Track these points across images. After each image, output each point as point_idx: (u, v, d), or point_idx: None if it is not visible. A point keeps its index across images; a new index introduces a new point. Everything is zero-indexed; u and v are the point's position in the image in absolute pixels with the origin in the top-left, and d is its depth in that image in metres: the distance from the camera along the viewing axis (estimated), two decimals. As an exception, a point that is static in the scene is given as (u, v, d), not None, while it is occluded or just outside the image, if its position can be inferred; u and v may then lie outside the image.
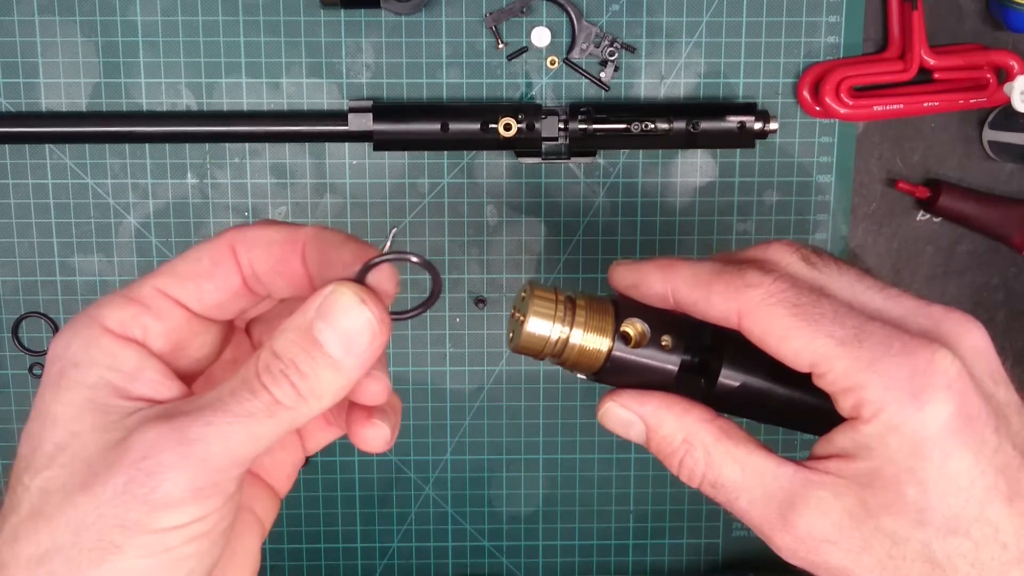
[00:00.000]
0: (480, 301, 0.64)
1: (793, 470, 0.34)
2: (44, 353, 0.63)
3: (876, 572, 0.33)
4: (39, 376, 0.64)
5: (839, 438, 0.33)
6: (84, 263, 0.62)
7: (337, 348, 0.29)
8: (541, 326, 0.36)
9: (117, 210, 0.62)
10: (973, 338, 0.34)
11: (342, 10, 0.60)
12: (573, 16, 0.60)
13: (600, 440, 0.66)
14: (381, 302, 0.30)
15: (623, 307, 0.37)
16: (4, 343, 0.63)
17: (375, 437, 0.33)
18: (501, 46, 0.61)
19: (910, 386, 0.32)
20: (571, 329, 0.36)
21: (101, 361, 0.30)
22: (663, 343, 0.36)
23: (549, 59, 0.61)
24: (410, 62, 0.61)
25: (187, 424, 0.28)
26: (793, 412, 0.37)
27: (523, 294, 0.37)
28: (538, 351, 0.36)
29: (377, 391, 0.32)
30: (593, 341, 0.36)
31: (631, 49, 0.61)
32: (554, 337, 0.36)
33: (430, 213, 0.63)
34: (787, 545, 0.34)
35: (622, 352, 0.36)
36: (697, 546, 0.68)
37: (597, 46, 0.61)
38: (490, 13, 0.60)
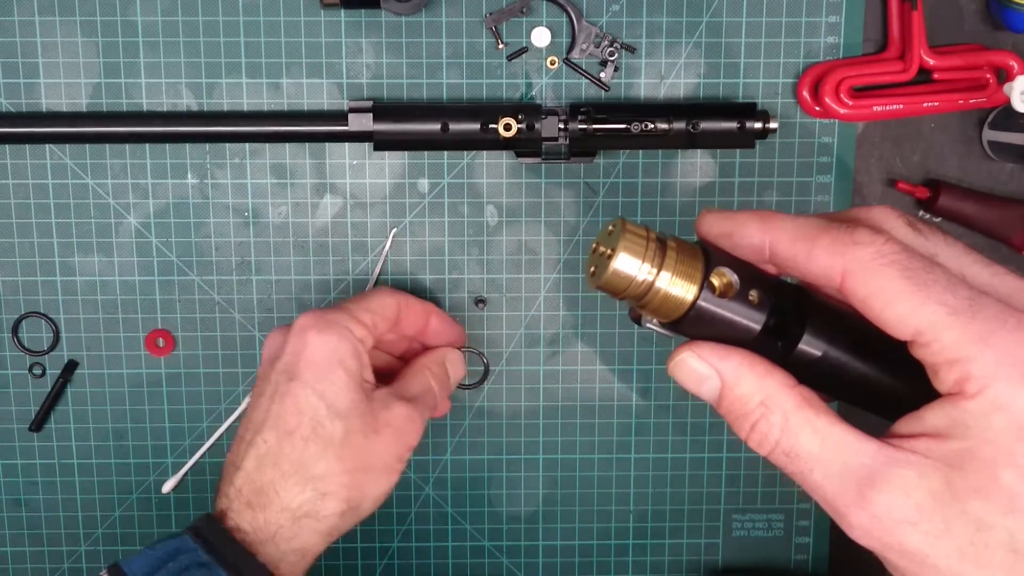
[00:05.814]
0: (480, 301, 0.64)
1: (877, 446, 0.32)
2: (44, 353, 0.63)
3: (955, 558, 0.31)
4: (39, 376, 0.64)
5: (932, 415, 0.32)
6: (84, 263, 0.62)
7: (449, 369, 0.59)
8: (630, 264, 0.34)
9: (117, 210, 0.62)
10: None
11: (342, 10, 0.60)
12: (573, 16, 0.60)
13: (600, 440, 0.66)
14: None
15: (713, 255, 0.35)
16: (4, 343, 0.63)
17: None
18: (501, 46, 0.61)
19: (1023, 365, 0.30)
20: (659, 271, 0.34)
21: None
22: (750, 297, 0.34)
23: (549, 59, 0.61)
24: (410, 62, 0.61)
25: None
26: (870, 390, 0.35)
27: (611, 228, 0.35)
28: (620, 290, 0.34)
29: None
30: (679, 287, 0.34)
31: (631, 49, 0.61)
32: (640, 277, 0.34)
33: (430, 213, 0.63)
34: (861, 524, 0.32)
35: (708, 302, 0.34)
36: (697, 546, 0.68)
37: (597, 46, 0.61)
38: (490, 13, 0.60)
